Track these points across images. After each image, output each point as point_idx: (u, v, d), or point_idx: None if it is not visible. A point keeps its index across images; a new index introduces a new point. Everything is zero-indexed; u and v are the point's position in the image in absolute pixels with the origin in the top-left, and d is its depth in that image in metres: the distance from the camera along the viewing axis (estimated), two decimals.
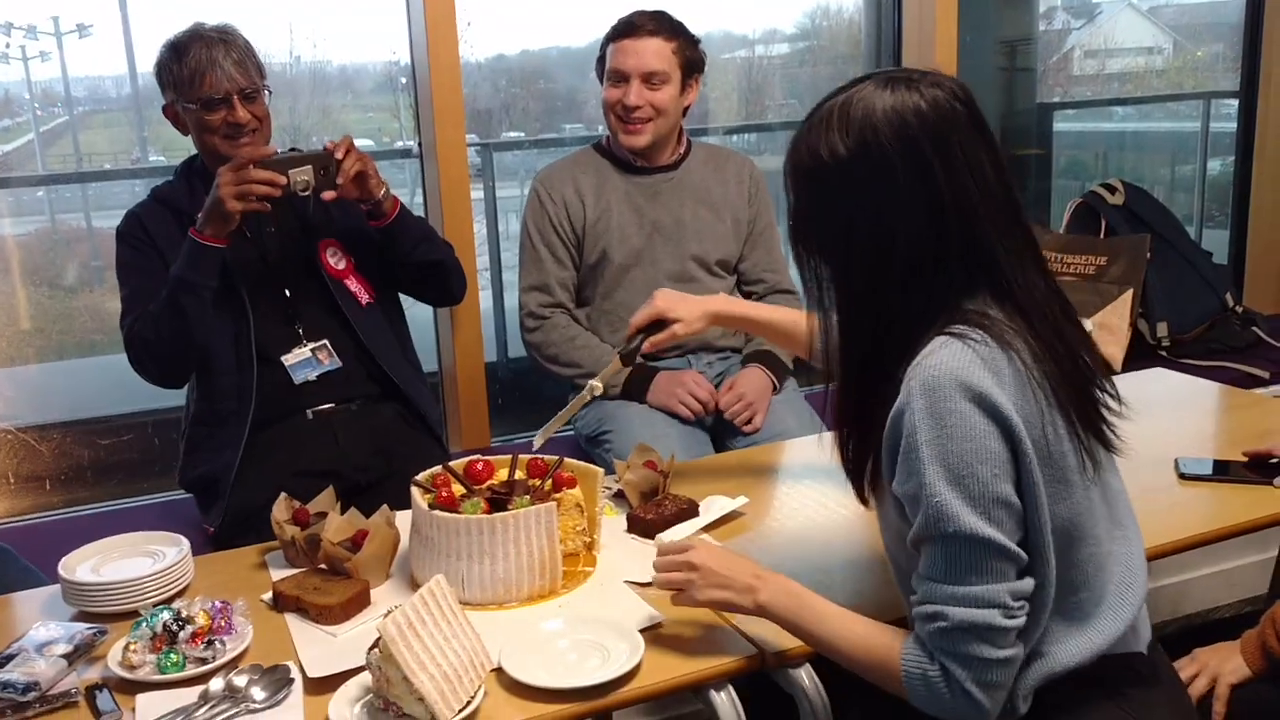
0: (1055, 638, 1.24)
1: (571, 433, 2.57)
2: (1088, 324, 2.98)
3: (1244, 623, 1.70)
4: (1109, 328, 3.11)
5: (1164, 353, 3.17)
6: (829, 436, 1.35)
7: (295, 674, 1.33)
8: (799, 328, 1.77)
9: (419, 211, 2.64)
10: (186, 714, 1.26)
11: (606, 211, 2.51)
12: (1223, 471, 1.81)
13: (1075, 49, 4.88)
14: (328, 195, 2.02)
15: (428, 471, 1.64)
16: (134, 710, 1.29)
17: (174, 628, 1.36)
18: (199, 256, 1.98)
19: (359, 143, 2.06)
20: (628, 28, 2.44)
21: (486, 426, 2.87)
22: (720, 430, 2.43)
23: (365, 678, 1.26)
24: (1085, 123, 4.80)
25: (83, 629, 1.42)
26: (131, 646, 1.35)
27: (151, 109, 2.20)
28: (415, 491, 1.57)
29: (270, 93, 2.11)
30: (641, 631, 1.37)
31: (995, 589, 1.16)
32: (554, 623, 1.42)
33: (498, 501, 1.53)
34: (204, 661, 1.35)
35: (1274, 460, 1.79)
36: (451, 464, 1.64)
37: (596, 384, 1.78)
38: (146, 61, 2.13)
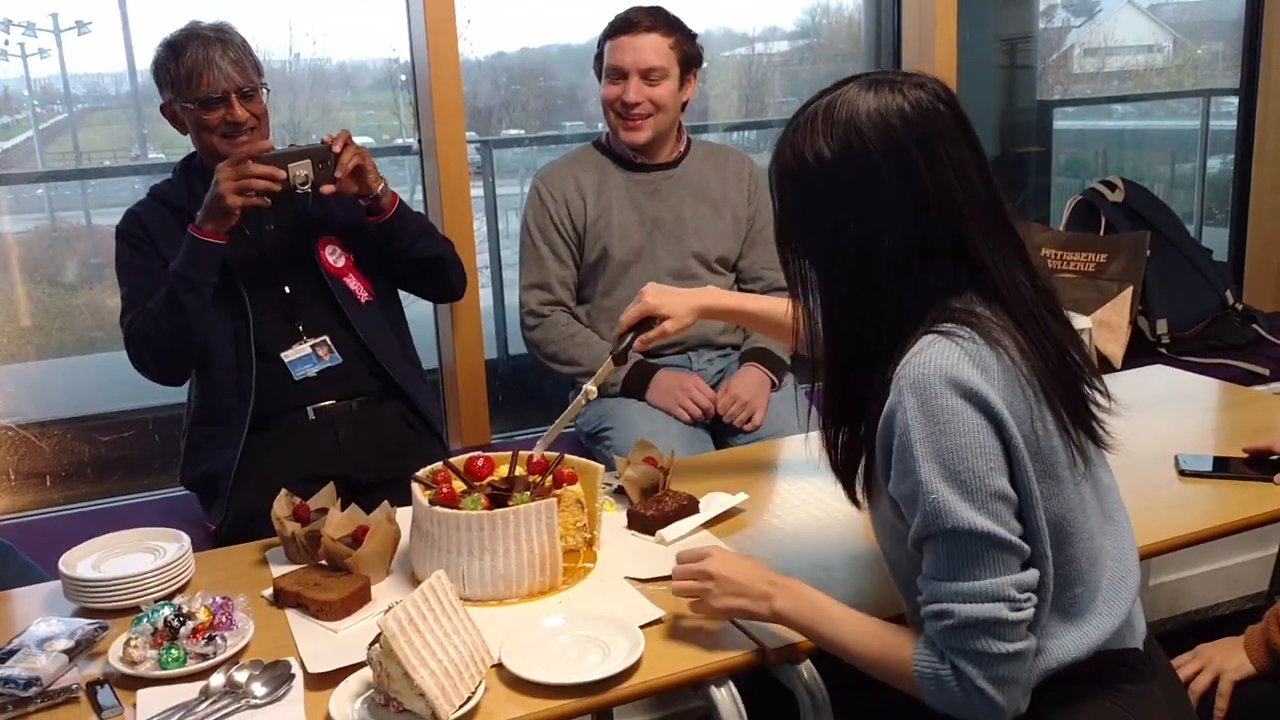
0: (1051, 634, 1.24)
1: (572, 430, 2.57)
2: (1087, 321, 2.98)
3: (1244, 619, 1.70)
4: (1109, 325, 3.11)
5: (1164, 350, 3.17)
6: (815, 436, 1.35)
7: (296, 670, 1.33)
8: (790, 318, 1.77)
9: (419, 209, 2.64)
10: (187, 709, 1.27)
11: (607, 209, 2.51)
12: (1223, 468, 1.81)
13: (1075, 46, 4.88)
14: (326, 189, 2.02)
15: (428, 468, 1.64)
16: (135, 706, 1.29)
17: (175, 623, 1.36)
18: (198, 253, 1.98)
19: (358, 139, 2.06)
20: (625, 24, 2.43)
21: (487, 423, 2.87)
22: (720, 427, 2.43)
23: (366, 673, 1.26)
24: (1085, 120, 4.80)
25: (84, 625, 1.42)
26: (133, 642, 1.35)
27: (151, 106, 2.19)
28: (416, 487, 1.57)
29: (268, 90, 2.11)
30: (642, 627, 1.38)
31: (999, 582, 1.16)
32: (554, 619, 1.42)
33: (498, 498, 1.53)
34: (205, 657, 1.35)
35: (1274, 457, 1.79)
36: (452, 460, 1.64)
37: (591, 388, 1.78)
38: (145, 58, 2.13)
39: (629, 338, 1.79)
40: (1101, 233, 3.32)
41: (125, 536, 1.65)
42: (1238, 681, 1.59)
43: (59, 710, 1.30)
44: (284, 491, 1.67)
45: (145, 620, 1.37)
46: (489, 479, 1.62)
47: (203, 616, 1.37)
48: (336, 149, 2.01)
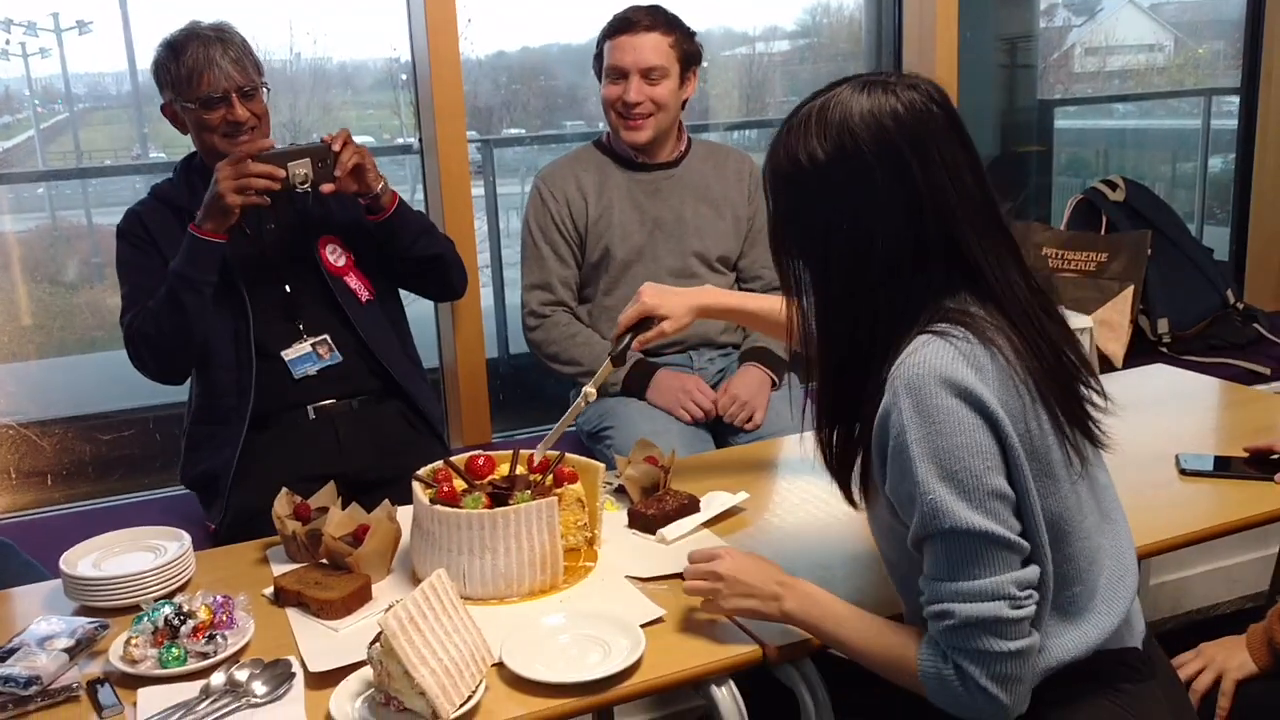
0: (1050, 633, 1.24)
1: (573, 429, 2.57)
2: (1088, 320, 2.98)
3: (1245, 619, 1.70)
4: (1110, 324, 3.11)
5: (1165, 349, 3.17)
6: (810, 436, 1.35)
7: (296, 669, 1.33)
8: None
9: (420, 208, 2.64)
10: (188, 708, 1.27)
11: (608, 208, 2.51)
12: (1224, 467, 1.81)
13: (1076, 46, 4.87)
14: (326, 188, 2.02)
15: (429, 466, 1.64)
16: (135, 705, 1.29)
17: (175, 622, 1.36)
18: (198, 252, 1.98)
19: (359, 139, 2.06)
20: (624, 24, 2.43)
21: (488, 422, 2.87)
22: (721, 426, 2.43)
23: (366, 672, 1.26)
24: (1086, 119, 4.80)
25: (84, 623, 1.42)
26: (133, 641, 1.35)
27: (152, 105, 2.19)
28: (417, 486, 1.57)
29: (268, 90, 2.11)
30: (642, 626, 1.37)
31: (998, 581, 1.16)
32: (555, 617, 1.42)
33: (499, 496, 1.53)
34: (205, 656, 1.35)
35: (1275, 456, 1.79)
36: (453, 459, 1.64)
37: (590, 390, 1.78)
38: (146, 58, 2.13)
39: (627, 338, 1.78)
40: (1102, 232, 3.32)
41: (126, 535, 1.65)
42: (1240, 680, 1.59)
43: (59, 709, 1.30)
44: (285, 490, 1.67)
45: (146, 619, 1.37)
46: (490, 478, 1.62)
47: (203, 615, 1.37)
48: (336, 148, 2.01)
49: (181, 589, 1.55)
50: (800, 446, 1.37)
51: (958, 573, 1.17)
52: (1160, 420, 2.06)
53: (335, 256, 2.19)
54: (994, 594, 1.16)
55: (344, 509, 1.60)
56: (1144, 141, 4.87)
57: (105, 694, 1.31)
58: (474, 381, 2.84)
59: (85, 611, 1.51)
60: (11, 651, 1.35)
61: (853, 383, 1.26)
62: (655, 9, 2.46)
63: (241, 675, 1.30)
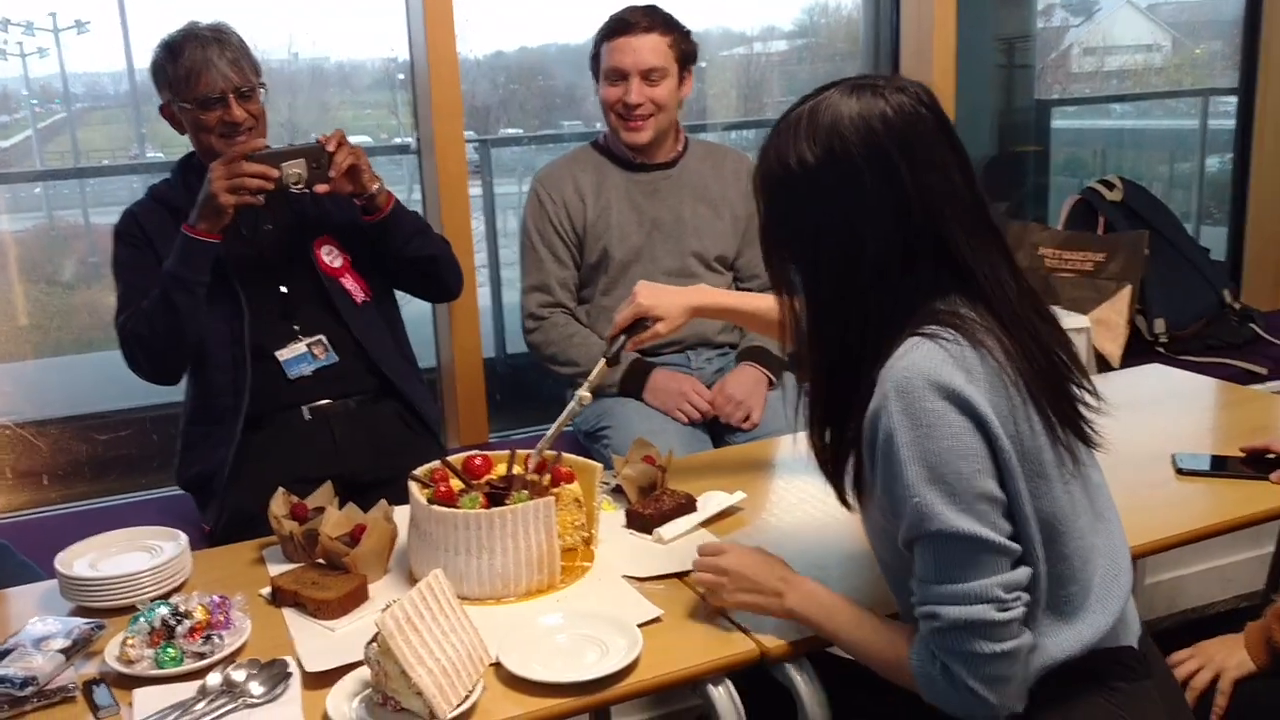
0: (1045, 632, 1.24)
1: (570, 429, 2.57)
2: (1085, 320, 2.99)
3: (1241, 618, 1.70)
4: (1107, 324, 3.11)
5: (1162, 349, 3.17)
6: (803, 436, 1.35)
7: (293, 668, 1.33)
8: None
9: (417, 208, 2.64)
10: (184, 709, 1.26)
11: (606, 209, 2.51)
12: (1220, 467, 1.81)
13: (1074, 46, 4.88)
14: (320, 188, 2.02)
15: (426, 466, 1.64)
16: (131, 705, 1.29)
17: (172, 622, 1.36)
18: (191, 252, 1.98)
19: (356, 139, 2.06)
20: (622, 25, 2.43)
21: (485, 423, 2.87)
22: (718, 426, 2.43)
23: (363, 672, 1.26)
24: (1084, 119, 4.80)
25: (80, 624, 1.42)
26: (129, 641, 1.35)
27: (149, 105, 2.19)
28: (413, 486, 1.57)
29: (266, 90, 2.11)
30: (640, 626, 1.37)
31: (985, 584, 1.16)
32: (552, 617, 1.42)
33: (496, 496, 1.53)
34: (202, 656, 1.35)
35: (1271, 456, 1.79)
36: (450, 459, 1.64)
37: (585, 394, 1.77)
38: (144, 57, 2.13)
39: (621, 340, 1.78)
40: (1100, 232, 3.32)
41: (122, 535, 1.65)
42: (1238, 679, 1.59)
43: (55, 710, 1.30)
44: (281, 490, 1.67)
45: (142, 619, 1.37)
46: (487, 478, 1.62)
47: (200, 615, 1.37)
48: (330, 148, 2.01)
49: (178, 589, 1.54)
50: (794, 446, 1.37)
51: (945, 575, 1.17)
52: (1157, 420, 2.07)
53: (331, 257, 2.18)
54: (980, 597, 1.16)
55: (340, 509, 1.60)
56: (1141, 141, 4.88)
57: (101, 694, 1.30)
58: (471, 381, 2.84)
59: (81, 612, 1.51)
60: (7, 652, 1.34)
61: (844, 384, 1.26)
62: (652, 9, 2.45)
63: (238, 675, 1.30)
